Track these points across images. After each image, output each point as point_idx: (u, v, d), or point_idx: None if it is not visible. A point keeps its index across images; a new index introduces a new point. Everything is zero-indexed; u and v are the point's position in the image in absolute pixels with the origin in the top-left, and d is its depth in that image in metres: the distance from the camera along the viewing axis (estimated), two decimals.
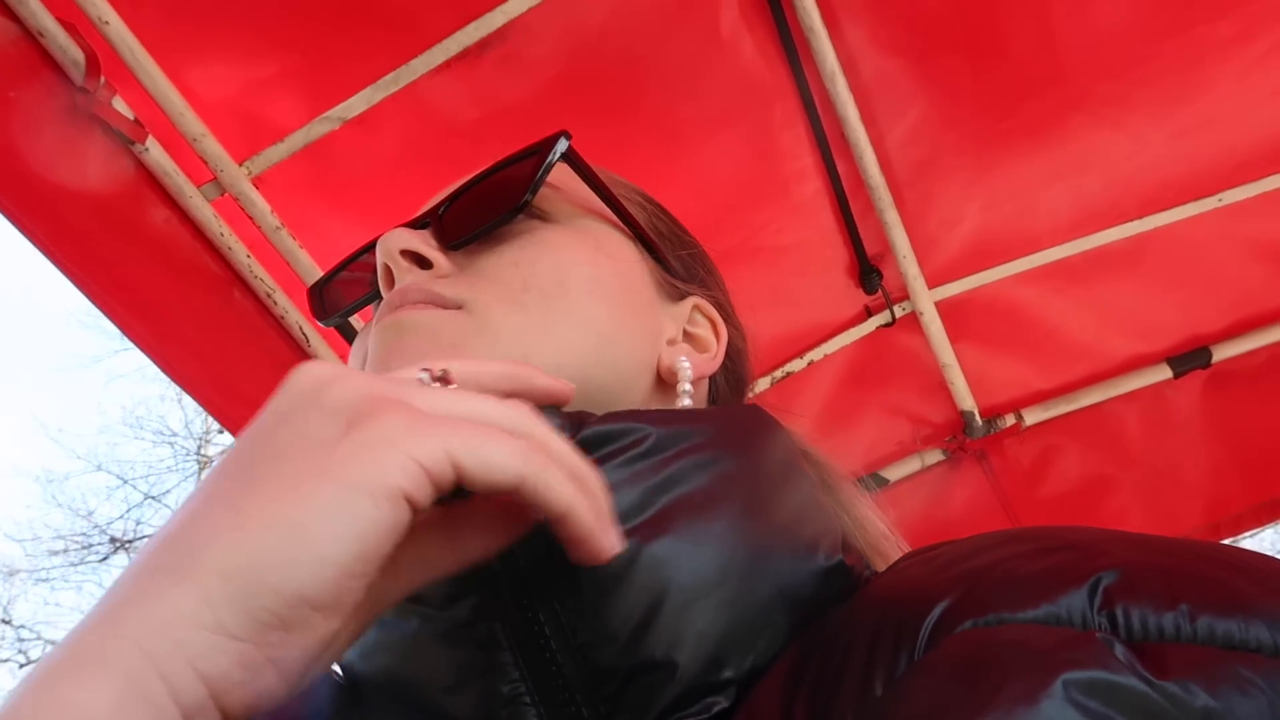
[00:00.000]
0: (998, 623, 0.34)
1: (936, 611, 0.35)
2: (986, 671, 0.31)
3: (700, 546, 0.41)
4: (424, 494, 0.32)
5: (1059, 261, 1.44)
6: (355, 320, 1.14)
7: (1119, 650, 0.31)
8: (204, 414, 10.25)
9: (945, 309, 1.48)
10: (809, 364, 1.51)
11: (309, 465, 0.32)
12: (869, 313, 1.51)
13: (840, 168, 1.33)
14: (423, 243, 0.52)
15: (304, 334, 1.25)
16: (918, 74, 1.24)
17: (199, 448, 10.03)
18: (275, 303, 1.23)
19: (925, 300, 1.46)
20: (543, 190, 0.53)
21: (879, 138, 1.30)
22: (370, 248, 0.56)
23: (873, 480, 1.60)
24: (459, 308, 0.49)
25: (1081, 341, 1.53)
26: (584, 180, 0.55)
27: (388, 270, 0.52)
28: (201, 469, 9.88)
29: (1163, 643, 0.32)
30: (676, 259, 0.59)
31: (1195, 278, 1.46)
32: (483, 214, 0.52)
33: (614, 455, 0.42)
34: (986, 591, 0.35)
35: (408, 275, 0.51)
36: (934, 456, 1.61)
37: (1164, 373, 1.52)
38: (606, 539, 0.37)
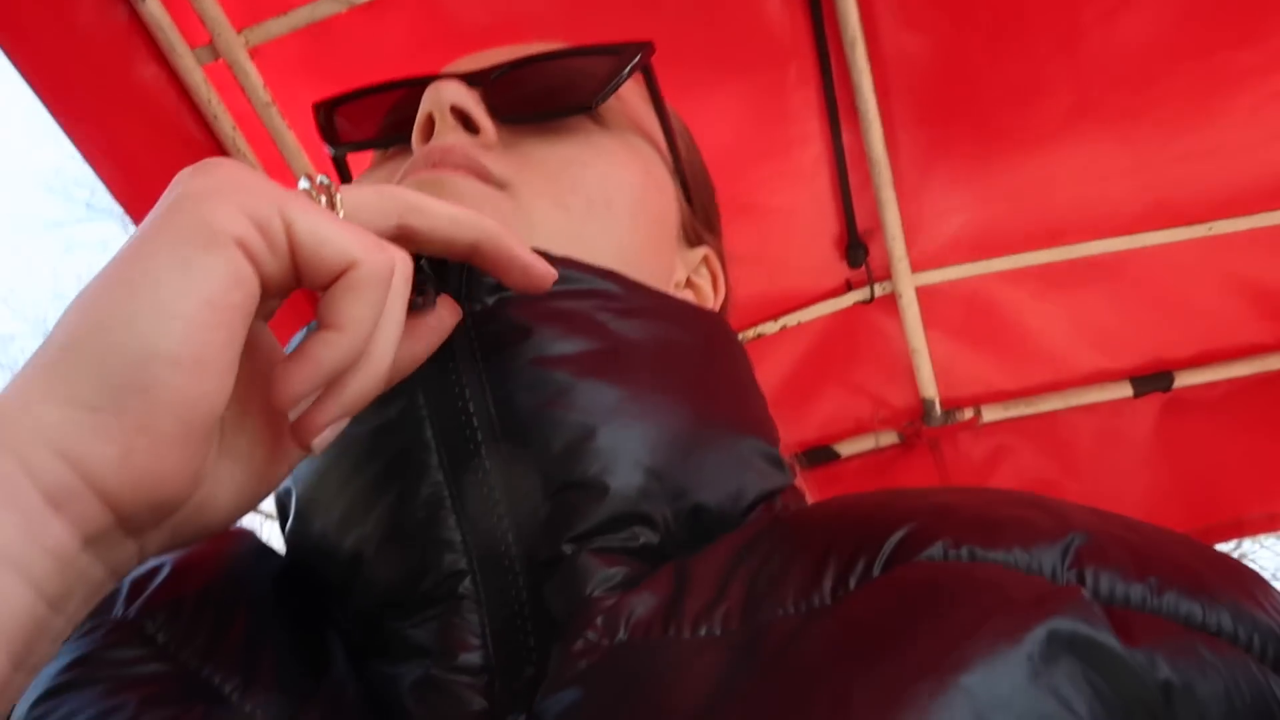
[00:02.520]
0: (969, 556, 0.34)
1: (902, 531, 0.35)
2: (969, 603, 0.31)
3: (644, 391, 0.41)
4: (259, 247, 0.31)
5: (1044, 265, 1.44)
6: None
7: (1098, 609, 0.31)
8: None
9: (924, 295, 1.49)
10: (782, 328, 1.51)
11: (148, 230, 0.31)
12: (849, 287, 1.51)
13: (845, 138, 1.32)
14: (476, 105, 0.49)
15: None
16: (938, 54, 1.23)
17: None
18: None
19: (907, 283, 1.46)
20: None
21: (889, 113, 1.29)
22: (404, 84, 0.52)
23: (824, 452, 1.61)
24: (502, 188, 0.46)
25: (1051, 348, 1.54)
26: (651, 100, 0.54)
27: (429, 121, 0.49)
28: None
29: (1129, 610, 0.32)
30: (701, 205, 0.58)
31: (1172, 302, 1.47)
32: (545, 98, 0.50)
33: (573, 295, 0.42)
34: (957, 523, 0.35)
35: (451, 134, 0.48)
36: (889, 438, 1.62)
37: (1125, 390, 1.54)
38: (534, 262, 0.39)
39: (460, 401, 0.39)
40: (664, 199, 0.53)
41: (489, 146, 0.48)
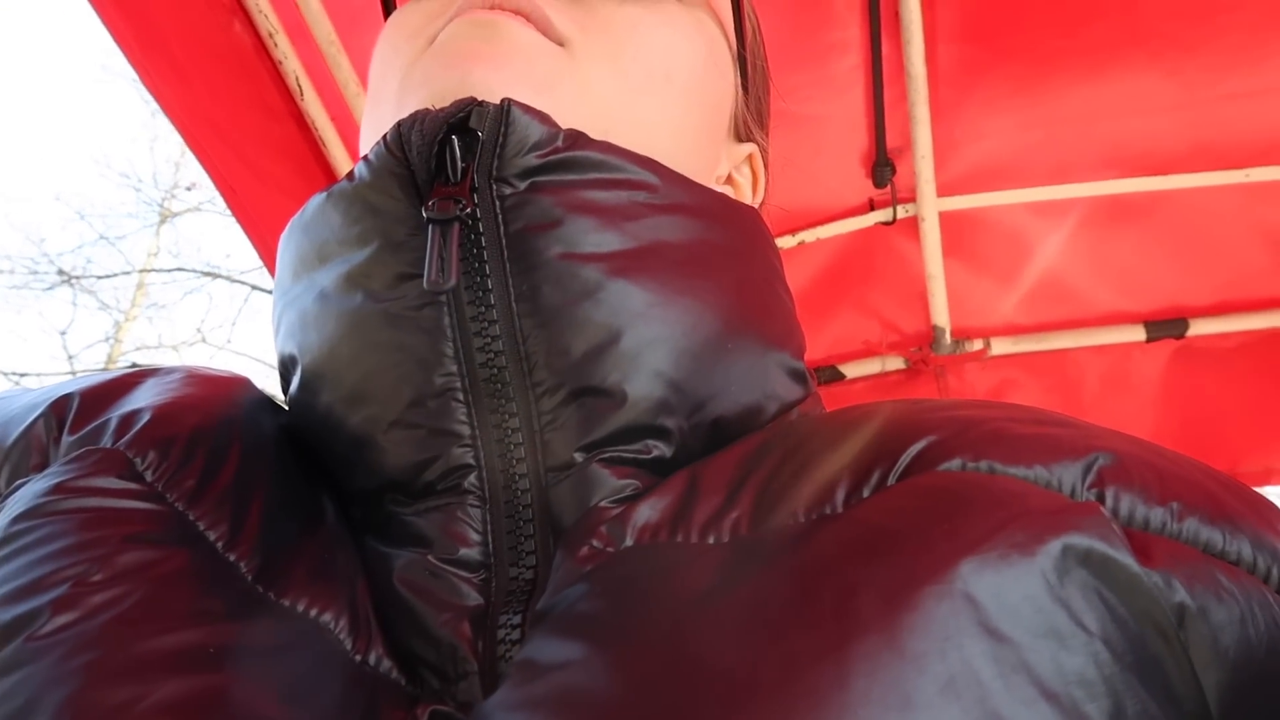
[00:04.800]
0: (989, 470, 0.33)
1: (922, 443, 0.34)
2: (985, 511, 0.31)
3: (674, 296, 0.39)
4: None
5: (1072, 200, 1.42)
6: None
7: (1117, 527, 0.31)
8: (173, 166, 9.97)
9: (946, 220, 1.46)
10: (800, 243, 1.49)
11: None
12: (872, 206, 1.48)
13: (885, 48, 1.28)
14: None
15: (299, 85, 1.20)
16: None
17: (163, 200, 9.79)
18: (276, 45, 1.16)
19: (930, 207, 1.44)
20: None
21: (932, 25, 1.24)
22: None
23: (830, 372, 1.61)
24: (561, 44, 0.44)
25: (1068, 285, 1.52)
26: None
27: None
28: (162, 221, 9.68)
29: (1148, 533, 0.31)
30: (756, 99, 0.55)
31: (1197, 248, 1.45)
32: None
33: (609, 185, 0.39)
34: (978, 437, 0.34)
35: None
36: (895, 363, 1.61)
37: (1138, 334, 1.53)
38: None
39: (482, 291, 0.38)
40: (723, 84, 0.50)
41: None
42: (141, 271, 9.38)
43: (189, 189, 9.66)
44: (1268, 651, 0.30)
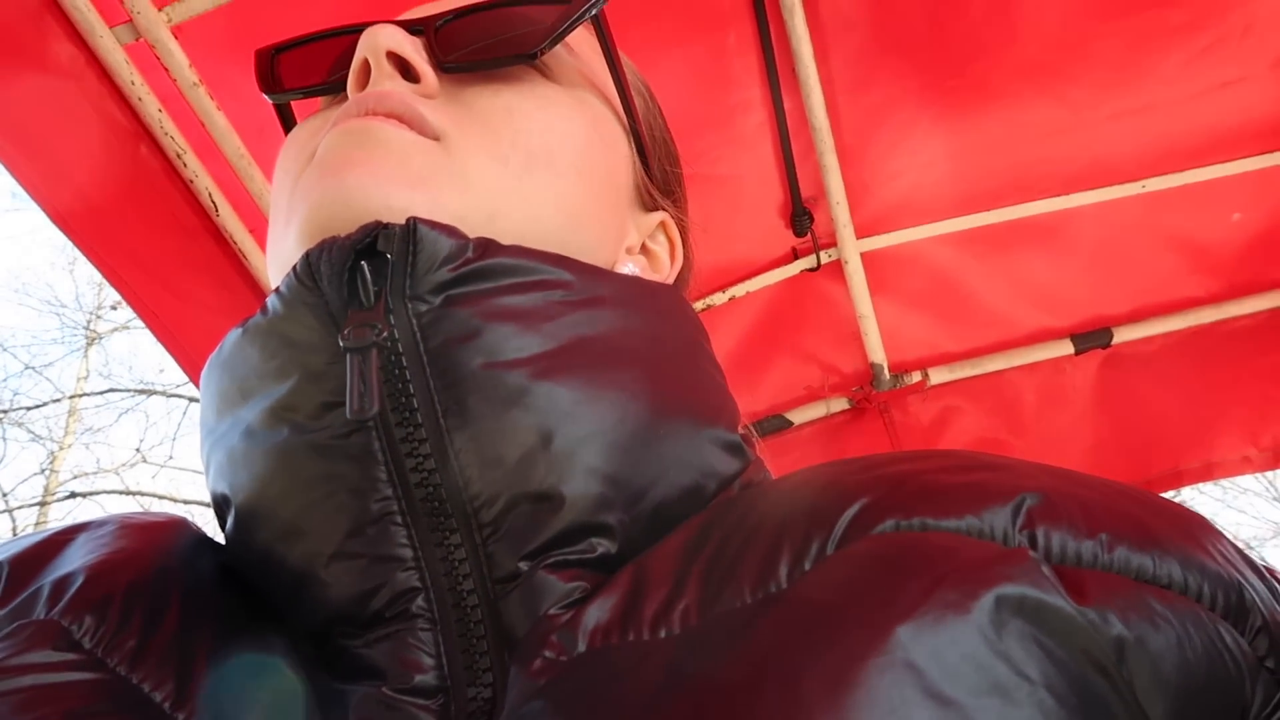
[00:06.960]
0: (921, 527, 0.33)
1: (855, 507, 0.35)
2: (917, 573, 0.31)
3: (600, 390, 0.39)
4: None
5: (985, 227, 1.46)
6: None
7: (1047, 570, 0.31)
8: (96, 287, 9.79)
9: (869, 260, 1.50)
10: (730, 299, 1.51)
11: None
12: (795, 255, 1.51)
13: (786, 104, 1.32)
14: (415, 51, 0.46)
15: (213, 202, 1.19)
16: (876, 19, 1.23)
17: (89, 322, 9.59)
18: (185, 165, 1.16)
19: (852, 249, 1.47)
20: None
21: (829, 78, 1.29)
22: (346, 31, 0.49)
23: (777, 421, 1.62)
24: (437, 139, 0.44)
25: (994, 309, 1.56)
26: (603, 52, 0.51)
27: (365, 68, 0.46)
28: (90, 343, 9.47)
29: (1080, 568, 0.32)
30: (660, 168, 0.56)
31: (1109, 260, 1.50)
32: (490, 46, 0.47)
33: (524, 288, 0.40)
34: (909, 495, 0.35)
35: (388, 82, 0.45)
36: (839, 405, 1.63)
37: (1066, 348, 1.57)
38: None
39: (408, 412, 0.37)
40: (613, 156, 0.51)
41: (429, 95, 0.45)
42: (72, 397, 9.13)
43: (114, 308, 9.49)
44: (1208, 673, 0.31)
